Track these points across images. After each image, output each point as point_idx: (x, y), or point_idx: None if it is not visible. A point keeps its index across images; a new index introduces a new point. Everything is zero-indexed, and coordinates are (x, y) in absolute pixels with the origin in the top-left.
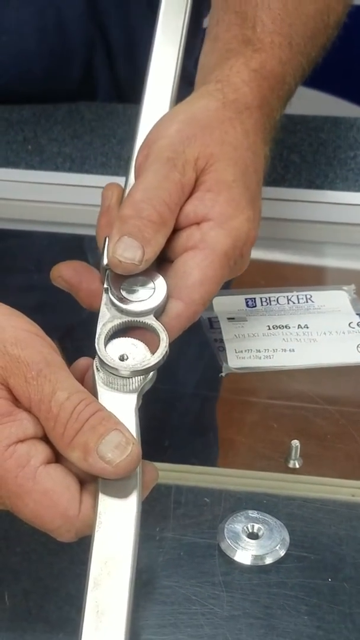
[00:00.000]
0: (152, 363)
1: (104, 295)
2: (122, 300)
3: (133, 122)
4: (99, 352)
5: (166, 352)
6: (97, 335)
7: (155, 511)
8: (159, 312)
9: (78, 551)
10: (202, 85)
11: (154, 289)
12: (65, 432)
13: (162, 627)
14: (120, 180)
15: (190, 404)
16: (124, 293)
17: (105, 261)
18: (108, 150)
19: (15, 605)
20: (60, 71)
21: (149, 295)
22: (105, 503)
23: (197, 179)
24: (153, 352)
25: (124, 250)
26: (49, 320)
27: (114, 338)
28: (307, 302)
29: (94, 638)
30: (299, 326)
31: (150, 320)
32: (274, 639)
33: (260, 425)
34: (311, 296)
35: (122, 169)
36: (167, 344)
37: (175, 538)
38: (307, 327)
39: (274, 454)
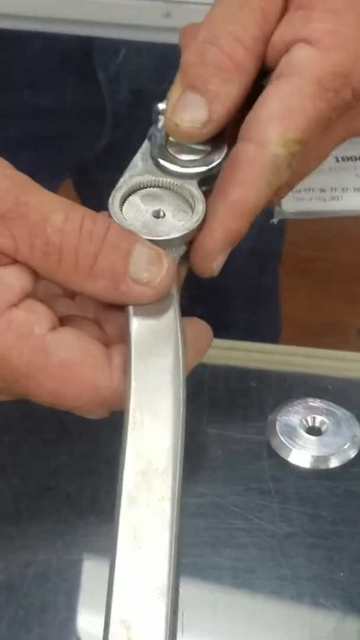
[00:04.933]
0: (172, 236)
1: (145, 143)
2: (165, 154)
3: None
4: (111, 210)
5: (193, 227)
6: (115, 188)
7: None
8: (208, 181)
9: (79, 442)
10: None
11: (212, 149)
12: (79, 260)
13: (194, 546)
14: None
15: (234, 261)
16: (170, 147)
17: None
18: None
19: (1, 507)
20: None
21: (200, 156)
22: (140, 376)
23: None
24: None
25: (183, 109)
26: (52, 157)
27: (149, 190)
28: None
29: (131, 571)
30: None
31: (191, 186)
32: (341, 565)
33: (323, 289)
34: None
35: None
36: (200, 218)
37: (211, 433)
38: None
39: (343, 328)
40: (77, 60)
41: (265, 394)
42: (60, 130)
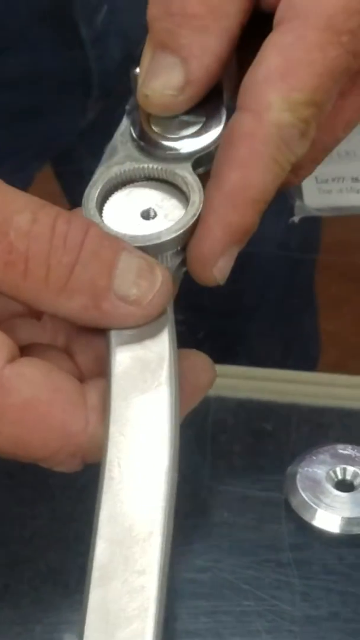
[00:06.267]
0: (162, 239)
1: (124, 121)
2: (149, 133)
3: None
4: (86, 212)
5: (188, 226)
6: (90, 184)
7: (183, 442)
8: (205, 161)
9: (62, 500)
10: None
11: (207, 119)
12: (50, 272)
13: (194, 635)
14: None
15: (252, 263)
16: (154, 123)
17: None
18: None
19: None
20: None
21: (193, 131)
22: (120, 418)
23: None
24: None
25: (153, 75)
26: (24, 138)
27: (136, 184)
28: None
29: None
30: None
31: (184, 172)
32: None
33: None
34: None
35: None
36: (196, 213)
37: (214, 488)
38: None
39: None
40: (53, 14)
41: (283, 437)
42: (35, 104)
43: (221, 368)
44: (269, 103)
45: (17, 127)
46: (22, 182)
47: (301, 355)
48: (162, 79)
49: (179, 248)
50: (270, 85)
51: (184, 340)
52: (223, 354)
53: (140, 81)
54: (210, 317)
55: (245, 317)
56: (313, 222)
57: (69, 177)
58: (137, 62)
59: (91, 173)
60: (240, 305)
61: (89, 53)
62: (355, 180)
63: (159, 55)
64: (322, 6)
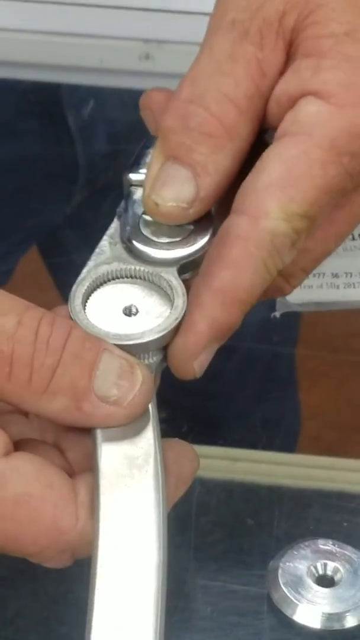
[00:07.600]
0: (145, 339)
1: (114, 223)
2: (138, 236)
3: None
4: (71, 309)
5: (171, 328)
6: (77, 282)
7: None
8: (190, 267)
9: (45, 581)
10: None
11: (195, 228)
12: (33, 375)
13: None
14: None
15: (225, 359)
16: (144, 227)
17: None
18: None
19: None
20: None
21: (181, 238)
22: (110, 515)
23: (289, 47)
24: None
25: (165, 185)
26: (14, 221)
27: (118, 281)
28: None
29: None
30: None
31: (169, 276)
32: None
33: (341, 397)
34: None
35: None
36: (179, 316)
37: (195, 583)
38: None
39: None
40: (43, 110)
41: (266, 524)
42: (22, 189)
43: (203, 449)
44: (267, 211)
45: (4, 211)
46: (7, 266)
47: (283, 430)
48: (174, 190)
49: (161, 347)
50: (270, 194)
51: (167, 426)
52: (205, 435)
53: (148, 188)
54: (192, 399)
55: (227, 399)
56: (293, 317)
57: (54, 254)
58: (128, 164)
59: (76, 251)
60: (221, 389)
61: (77, 144)
62: (334, 276)
63: (170, 165)
64: (327, 127)
